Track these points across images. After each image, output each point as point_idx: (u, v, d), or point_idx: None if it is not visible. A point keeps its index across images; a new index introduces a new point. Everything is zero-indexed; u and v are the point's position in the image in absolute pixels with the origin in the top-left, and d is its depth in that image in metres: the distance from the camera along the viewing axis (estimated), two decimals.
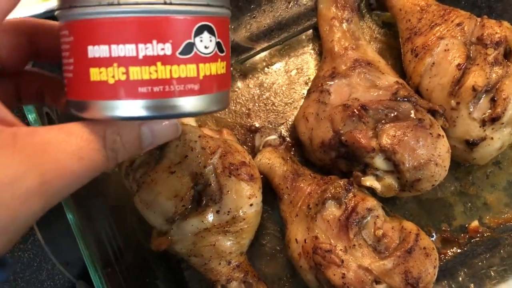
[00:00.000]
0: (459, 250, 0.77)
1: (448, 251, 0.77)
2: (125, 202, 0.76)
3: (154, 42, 0.38)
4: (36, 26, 0.47)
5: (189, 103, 0.40)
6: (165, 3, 0.38)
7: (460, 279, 0.74)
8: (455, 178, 0.80)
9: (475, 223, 0.79)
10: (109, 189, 0.76)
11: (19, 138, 0.36)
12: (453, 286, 0.74)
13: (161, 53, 0.38)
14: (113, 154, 0.41)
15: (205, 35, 0.40)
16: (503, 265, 0.74)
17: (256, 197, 0.71)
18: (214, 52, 0.41)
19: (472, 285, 0.74)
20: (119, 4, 0.37)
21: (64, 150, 0.37)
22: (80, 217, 0.62)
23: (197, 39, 0.40)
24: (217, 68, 0.42)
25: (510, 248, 0.76)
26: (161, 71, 0.38)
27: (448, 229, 0.78)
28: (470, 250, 0.77)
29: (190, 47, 0.39)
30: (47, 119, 0.67)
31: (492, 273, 0.74)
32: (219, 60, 0.42)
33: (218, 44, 0.41)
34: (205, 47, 0.40)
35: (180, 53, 0.39)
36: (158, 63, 0.38)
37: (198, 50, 0.40)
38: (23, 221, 0.36)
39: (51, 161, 0.36)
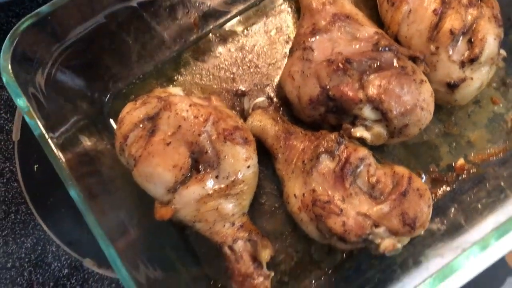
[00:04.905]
0: (448, 188, 0.81)
1: (438, 191, 0.81)
2: (121, 178, 0.77)
3: None
4: None
5: None
6: None
7: (452, 215, 0.78)
8: (438, 120, 0.83)
9: (461, 161, 0.82)
10: (103, 167, 0.77)
11: None
12: (445, 222, 0.77)
13: None
14: None
15: None
16: (490, 197, 0.78)
17: (252, 159, 0.73)
18: None
19: (462, 219, 0.78)
20: None
21: None
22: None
23: None
24: None
25: (494, 181, 0.80)
26: None
27: (436, 170, 0.82)
28: (459, 187, 0.81)
29: None
30: (34, 101, 0.67)
31: (480, 206, 0.78)
32: None
33: None
34: None
35: None
36: None
37: None
38: None
39: None
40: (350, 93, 0.71)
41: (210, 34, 0.88)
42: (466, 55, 0.74)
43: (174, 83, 0.86)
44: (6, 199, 0.86)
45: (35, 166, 0.87)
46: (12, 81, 0.63)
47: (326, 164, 0.71)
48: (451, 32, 0.73)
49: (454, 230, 0.72)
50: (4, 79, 0.63)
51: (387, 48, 0.73)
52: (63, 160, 0.63)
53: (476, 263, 0.61)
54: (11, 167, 0.88)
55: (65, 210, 0.84)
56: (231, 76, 0.86)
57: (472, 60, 0.73)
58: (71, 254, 0.83)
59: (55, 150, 0.63)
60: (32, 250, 0.84)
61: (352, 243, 0.68)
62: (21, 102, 0.63)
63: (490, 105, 0.85)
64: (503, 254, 0.64)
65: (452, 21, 0.73)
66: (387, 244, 0.68)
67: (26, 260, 0.83)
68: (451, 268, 0.60)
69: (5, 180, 0.88)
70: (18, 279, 0.82)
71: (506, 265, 1.03)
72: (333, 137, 0.72)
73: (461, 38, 0.74)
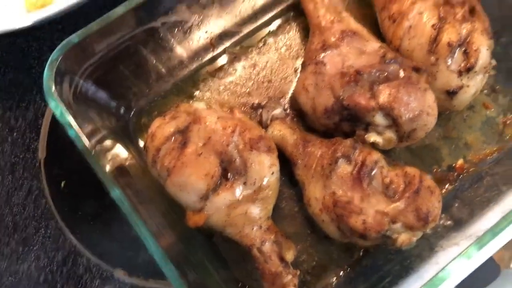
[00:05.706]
0: (450, 187, 0.89)
1: (442, 189, 0.88)
2: (150, 190, 0.82)
3: None
4: None
5: None
6: None
7: (455, 210, 0.85)
8: (438, 125, 0.90)
9: (460, 161, 0.90)
10: (135, 179, 0.81)
11: None
12: (449, 217, 0.84)
13: None
14: None
15: None
16: (488, 193, 0.85)
17: (276, 165, 0.79)
18: None
19: (464, 214, 0.85)
20: None
21: None
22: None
23: None
24: None
25: (490, 177, 0.88)
26: None
27: (439, 170, 0.89)
28: (460, 185, 0.89)
29: None
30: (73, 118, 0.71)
31: (480, 202, 0.85)
32: None
33: None
34: None
35: None
36: None
37: None
38: None
39: None
40: (363, 102, 0.78)
41: (225, 53, 0.94)
42: (463, 65, 0.82)
43: (194, 99, 0.91)
44: (36, 215, 0.90)
45: (62, 182, 0.90)
46: (58, 102, 0.68)
47: (344, 167, 0.77)
48: (449, 45, 0.81)
49: (460, 223, 0.79)
50: (51, 104, 0.68)
51: (393, 60, 0.81)
52: (107, 170, 0.68)
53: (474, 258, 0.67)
54: (39, 184, 0.92)
55: (93, 223, 0.88)
56: (247, 90, 0.92)
57: (469, 69, 0.82)
58: (102, 265, 0.87)
59: (99, 161, 0.68)
60: (63, 263, 0.87)
61: (372, 239, 0.74)
62: (67, 119, 0.67)
63: (483, 110, 0.93)
64: (498, 248, 0.70)
65: (449, 35, 0.82)
66: (404, 238, 0.74)
67: (58, 273, 0.87)
68: (467, 255, 0.66)
69: (33, 197, 0.91)
70: None
71: (495, 263, 1.11)
72: (349, 143, 0.79)
73: (457, 49, 0.82)
